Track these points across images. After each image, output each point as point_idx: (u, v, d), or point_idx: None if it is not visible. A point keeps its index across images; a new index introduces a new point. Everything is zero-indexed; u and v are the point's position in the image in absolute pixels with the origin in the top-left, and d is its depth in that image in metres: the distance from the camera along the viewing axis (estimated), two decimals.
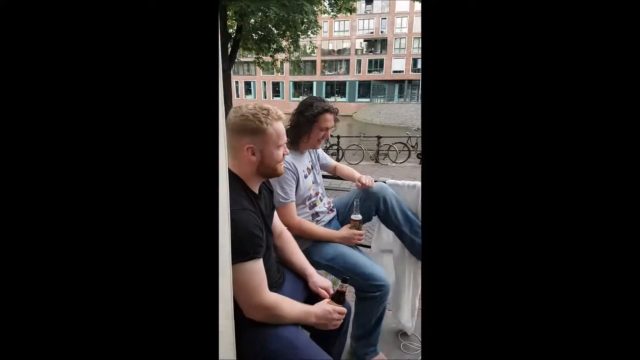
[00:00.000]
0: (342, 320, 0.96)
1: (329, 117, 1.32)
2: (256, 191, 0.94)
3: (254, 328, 0.85)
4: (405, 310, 1.57)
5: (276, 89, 31.96)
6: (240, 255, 0.78)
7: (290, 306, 0.88)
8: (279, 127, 0.91)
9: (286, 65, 10.73)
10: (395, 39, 28.85)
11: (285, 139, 0.94)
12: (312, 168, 1.40)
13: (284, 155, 0.94)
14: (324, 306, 0.94)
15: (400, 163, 8.20)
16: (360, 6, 27.37)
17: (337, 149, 8.45)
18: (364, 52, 30.20)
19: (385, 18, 28.79)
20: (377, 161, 8.42)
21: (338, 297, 0.98)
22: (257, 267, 0.83)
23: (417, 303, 1.59)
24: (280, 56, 9.72)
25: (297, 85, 31.34)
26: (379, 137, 8.60)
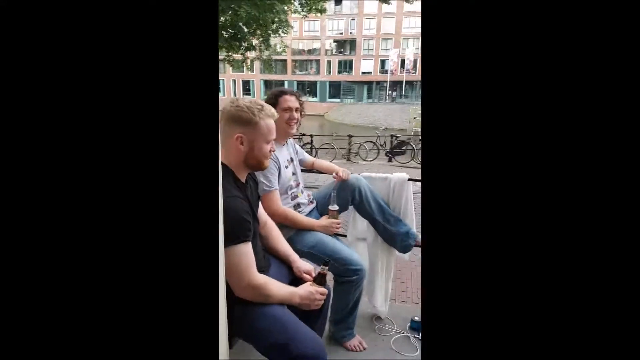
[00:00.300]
0: (323, 301, 1.05)
1: (288, 97, 1.39)
2: (243, 180, 1.00)
3: (244, 307, 0.92)
4: (379, 295, 1.68)
5: (246, 87, 31.46)
6: (231, 238, 0.85)
7: (276, 287, 0.96)
8: (270, 124, 0.98)
9: (256, 64, 10.63)
10: (364, 40, 29.39)
11: (274, 135, 1.00)
12: (292, 160, 1.48)
13: (271, 151, 1.01)
14: (307, 287, 1.02)
15: (370, 161, 8.45)
16: (330, 6, 27.61)
17: (311, 148, 8.55)
18: (334, 53, 30.50)
19: (354, 19, 29.25)
20: (348, 159, 8.61)
21: (320, 279, 1.07)
22: (246, 250, 0.90)
23: (390, 288, 1.72)
24: (251, 54, 9.64)
25: (268, 84, 31.05)
26: (350, 137, 8.80)
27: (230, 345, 0.96)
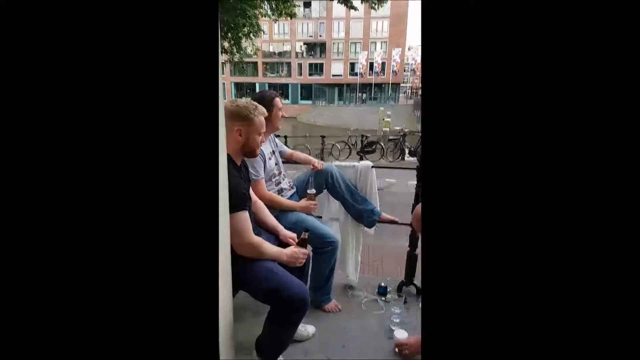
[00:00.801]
0: (305, 260, 1.32)
1: (279, 100, 1.71)
2: (239, 165, 1.26)
3: (244, 262, 1.17)
4: (351, 265, 1.98)
5: None
6: (235, 207, 1.10)
7: (269, 246, 1.22)
8: (262, 120, 1.25)
9: (226, 66, 10.68)
10: (334, 43, 29.97)
11: (264, 129, 1.26)
12: (274, 153, 1.74)
13: (261, 142, 1.27)
14: (292, 248, 1.29)
15: (343, 160, 8.82)
16: (299, 10, 27.90)
17: None
18: (305, 56, 30.87)
19: (323, 22, 29.76)
20: (322, 158, 8.92)
21: (302, 243, 1.34)
22: (246, 216, 1.16)
23: (359, 260, 2.01)
24: (222, 57, 9.69)
25: (239, 86, 30.85)
26: (323, 137, 9.13)
27: (233, 295, 1.21)
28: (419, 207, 1.41)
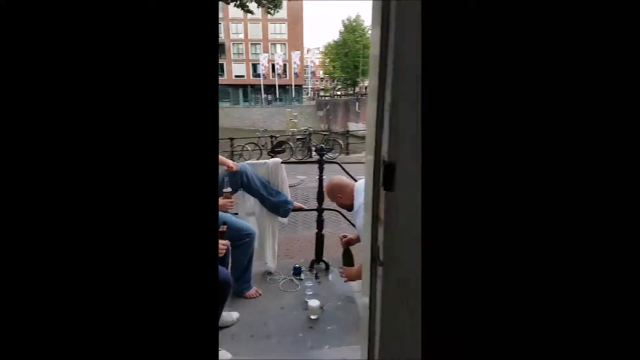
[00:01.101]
0: (225, 251, 1.48)
1: None
2: None
3: None
4: (269, 254, 2.19)
5: None
6: None
7: None
8: None
9: None
10: (233, 44, 29.32)
11: None
12: None
13: None
14: None
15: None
16: None
17: None
18: None
19: (220, 23, 28.79)
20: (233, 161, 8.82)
21: (220, 236, 1.50)
22: None
23: (276, 248, 2.24)
24: None
25: None
26: (231, 139, 9.03)
27: None
28: (330, 180, 1.75)
